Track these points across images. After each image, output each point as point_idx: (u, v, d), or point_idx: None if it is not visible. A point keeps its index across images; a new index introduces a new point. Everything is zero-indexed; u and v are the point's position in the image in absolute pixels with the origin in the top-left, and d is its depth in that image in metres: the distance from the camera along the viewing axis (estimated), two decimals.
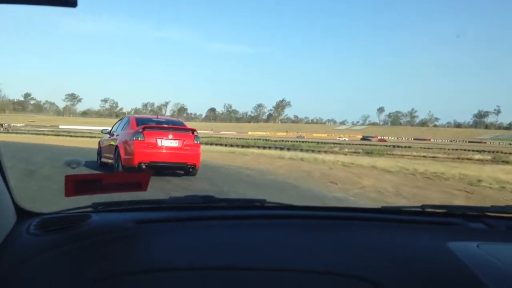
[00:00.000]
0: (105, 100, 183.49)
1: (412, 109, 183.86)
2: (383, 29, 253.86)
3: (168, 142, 9.14)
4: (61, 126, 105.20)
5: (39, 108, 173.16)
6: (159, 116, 11.07)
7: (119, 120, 11.22)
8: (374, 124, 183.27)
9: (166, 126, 9.66)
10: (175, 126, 9.78)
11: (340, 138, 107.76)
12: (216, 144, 42.32)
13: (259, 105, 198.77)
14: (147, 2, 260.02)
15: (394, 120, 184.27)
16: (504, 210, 1.28)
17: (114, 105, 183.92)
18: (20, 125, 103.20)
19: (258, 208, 1.28)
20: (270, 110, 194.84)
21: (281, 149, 37.68)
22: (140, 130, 9.04)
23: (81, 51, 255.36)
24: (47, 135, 47.16)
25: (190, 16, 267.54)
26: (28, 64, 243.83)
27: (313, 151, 34.64)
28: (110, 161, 10.14)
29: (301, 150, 36.58)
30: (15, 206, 1.03)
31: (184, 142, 9.29)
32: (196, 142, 9.48)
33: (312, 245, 1.01)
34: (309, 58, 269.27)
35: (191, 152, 9.33)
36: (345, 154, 30.51)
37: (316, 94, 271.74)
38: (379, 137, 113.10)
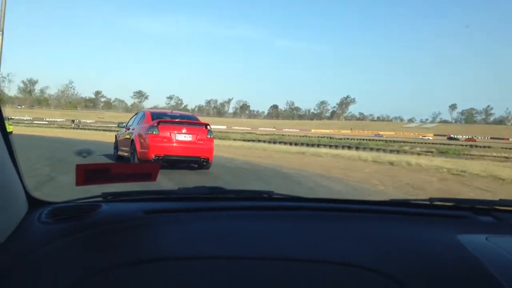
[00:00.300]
0: (170, 97, 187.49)
1: (488, 106, 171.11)
2: (455, 22, 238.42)
3: (182, 136, 9.31)
4: None
5: (109, 105, 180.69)
6: (173, 111, 11.22)
7: (135, 115, 11.29)
8: (445, 121, 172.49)
9: (180, 120, 9.82)
10: (189, 121, 9.93)
11: (424, 137, 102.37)
12: (279, 143, 39.87)
13: (322, 102, 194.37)
14: (213, 0, 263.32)
15: (468, 117, 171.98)
16: None
17: (179, 102, 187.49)
18: (90, 121, 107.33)
19: (266, 199, 1.30)
20: (334, 107, 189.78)
21: (355, 148, 34.53)
22: (155, 124, 9.18)
23: (148, 49, 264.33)
24: (114, 131, 47.42)
25: (257, 12, 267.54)
26: (99, 63, 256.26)
27: (384, 150, 31.14)
28: (126, 154, 10.31)
29: (373, 149, 33.24)
30: (27, 196, 1.05)
31: (198, 137, 9.46)
32: (209, 137, 9.63)
33: (319, 236, 1.01)
34: (375, 53, 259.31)
35: (204, 146, 9.48)
36: (432, 155, 26.68)
37: (382, 91, 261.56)
38: (467, 137, 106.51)
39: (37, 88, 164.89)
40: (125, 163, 2.00)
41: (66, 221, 0.98)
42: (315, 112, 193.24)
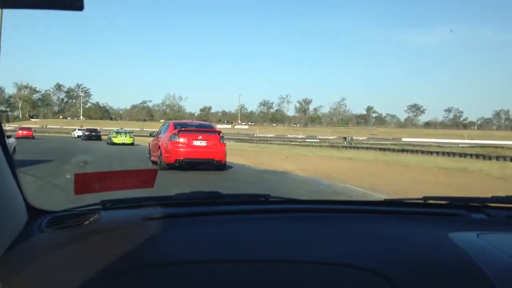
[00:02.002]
0: (449, 110, 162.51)
1: None
2: None
3: (198, 142, 11.58)
4: (404, 139, 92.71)
5: (380, 120, 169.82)
6: (193, 121, 15.13)
7: (162, 125, 13.83)
8: None
9: (197, 129, 12.29)
10: (204, 129, 12.48)
11: None
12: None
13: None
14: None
15: None
16: (505, 200, 1.31)
17: (458, 114, 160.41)
18: (362, 138, 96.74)
19: (263, 202, 1.32)
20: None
21: None
22: (176, 133, 11.59)
23: (418, 63, 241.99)
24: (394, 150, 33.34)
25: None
26: (371, 78, 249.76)
27: None
28: (156, 159, 12.58)
29: None
30: (26, 205, 1.06)
31: (212, 142, 11.68)
32: (221, 142, 11.86)
33: (316, 237, 1.03)
34: None
35: (217, 150, 11.67)
36: None
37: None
38: None
39: (311, 107, 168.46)
40: (122, 170, 1.02)
41: (66, 230, 0.99)
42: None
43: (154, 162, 13.00)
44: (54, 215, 1.09)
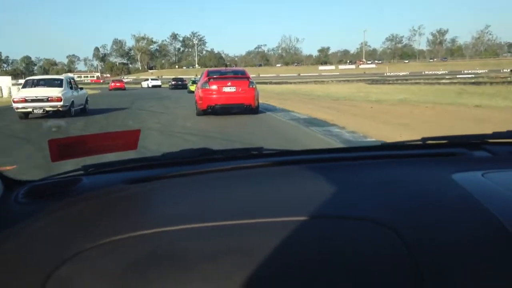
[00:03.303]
0: None
1: None
2: None
3: (228, 88, 12.20)
4: None
5: None
6: (227, 68, 17.06)
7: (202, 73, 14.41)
8: None
9: (226, 76, 12.82)
10: (234, 75, 12.96)
11: None
12: None
13: None
14: None
15: None
16: (506, 135, 1.26)
17: None
18: None
19: (256, 156, 1.27)
20: None
21: None
22: (207, 80, 12.32)
23: None
24: None
25: None
26: None
27: None
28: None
29: None
30: (1, 177, 1.00)
31: (241, 87, 12.28)
32: (250, 87, 12.37)
33: (313, 190, 0.98)
34: None
35: (246, 94, 12.22)
36: None
37: None
38: None
39: (448, 38, 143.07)
40: (102, 133, 1.04)
41: (45, 200, 0.93)
42: None
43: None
44: (31, 185, 1.02)
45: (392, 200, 0.90)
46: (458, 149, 1.21)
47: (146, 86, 57.05)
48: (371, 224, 0.81)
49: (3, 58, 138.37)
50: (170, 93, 35.49)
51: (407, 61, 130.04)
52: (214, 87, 12.17)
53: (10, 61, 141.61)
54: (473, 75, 64.07)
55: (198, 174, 1.08)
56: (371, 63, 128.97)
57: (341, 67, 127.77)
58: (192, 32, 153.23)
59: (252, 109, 12.37)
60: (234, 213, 0.86)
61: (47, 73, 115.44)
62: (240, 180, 1.05)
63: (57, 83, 13.72)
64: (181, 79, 49.06)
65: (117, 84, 49.73)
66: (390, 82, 50.08)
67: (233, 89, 12.22)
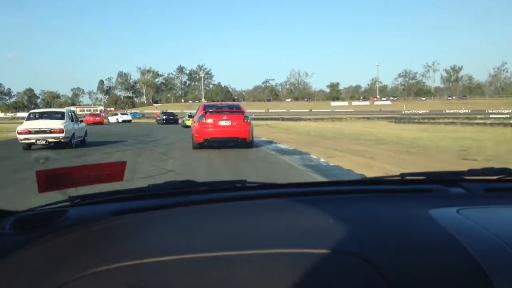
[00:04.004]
0: None
1: None
2: None
3: (223, 122, 12.50)
4: None
5: None
6: (222, 102, 17.97)
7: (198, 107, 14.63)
8: None
9: (222, 110, 13.22)
10: (229, 110, 13.34)
11: None
12: None
13: None
14: None
15: None
16: (481, 172, 1.30)
17: None
18: None
19: (240, 189, 1.28)
20: None
21: None
22: (203, 114, 12.66)
23: None
24: None
25: None
26: None
27: None
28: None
29: None
30: None
31: (236, 121, 12.57)
32: (245, 121, 12.65)
33: (295, 223, 0.99)
34: None
35: (241, 128, 12.52)
36: None
37: None
38: None
39: (462, 74, 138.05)
40: (89, 164, 1.05)
41: (32, 231, 0.94)
42: None
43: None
44: (18, 215, 1.03)
45: (371, 234, 0.91)
46: (435, 185, 1.23)
47: (115, 121, 54.93)
48: (351, 258, 0.82)
49: (4, 90, 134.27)
50: (161, 130, 30.94)
51: (424, 98, 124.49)
52: (210, 120, 12.50)
53: (13, 94, 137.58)
54: (507, 115, 57.68)
55: (182, 205, 1.08)
56: (386, 100, 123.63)
57: (355, 103, 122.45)
58: (198, 65, 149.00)
59: (247, 143, 12.67)
60: (218, 245, 0.86)
61: (50, 106, 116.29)
62: (224, 212, 1.04)
63: (59, 116, 14.31)
64: (172, 114, 47.89)
65: (96, 118, 45.45)
66: (416, 121, 44.34)
67: (228, 123, 12.54)
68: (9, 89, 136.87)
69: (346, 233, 0.90)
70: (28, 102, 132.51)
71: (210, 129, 12.36)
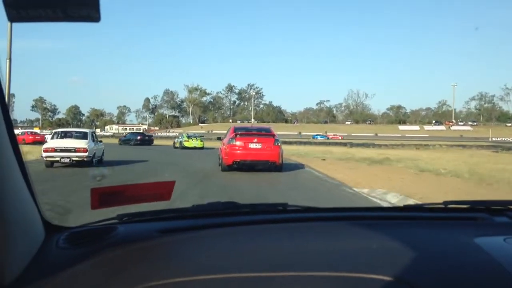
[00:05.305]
0: None
1: None
2: None
3: (254, 145, 12.36)
4: None
5: None
6: (253, 125, 18.27)
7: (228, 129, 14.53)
8: None
9: (252, 132, 13.13)
10: (259, 132, 13.19)
11: None
12: None
13: None
14: None
15: None
16: None
17: None
18: None
19: (281, 212, 1.31)
20: None
21: None
22: (233, 136, 12.56)
23: None
24: None
25: None
26: None
27: None
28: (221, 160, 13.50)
29: None
30: (43, 222, 1.06)
31: (266, 145, 12.39)
32: (276, 144, 12.50)
33: (336, 247, 1.00)
34: None
35: (271, 152, 12.35)
36: None
37: None
38: None
39: None
40: (139, 183, 1.12)
41: (84, 246, 0.99)
42: None
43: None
44: (71, 231, 1.08)
45: (415, 260, 0.90)
46: (479, 214, 1.21)
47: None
48: (395, 283, 0.80)
49: (48, 106, 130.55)
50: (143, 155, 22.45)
51: (510, 124, 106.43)
52: (241, 143, 12.38)
53: (58, 111, 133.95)
54: None
55: (225, 226, 1.13)
56: (463, 125, 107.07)
57: (427, 127, 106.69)
58: (248, 84, 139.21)
59: (276, 167, 12.50)
60: (261, 265, 0.88)
61: (94, 124, 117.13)
62: (266, 234, 1.07)
63: (82, 136, 14.79)
64: (150, 135, 45.73)
65: (36, 137, 35.41)
66: None
67: (258, 146, 12.41)
68: (54, 105, 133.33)
69: (390, 258, 0.90)
70: (72, 119, 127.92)
71: (240, 151, 12.34)
